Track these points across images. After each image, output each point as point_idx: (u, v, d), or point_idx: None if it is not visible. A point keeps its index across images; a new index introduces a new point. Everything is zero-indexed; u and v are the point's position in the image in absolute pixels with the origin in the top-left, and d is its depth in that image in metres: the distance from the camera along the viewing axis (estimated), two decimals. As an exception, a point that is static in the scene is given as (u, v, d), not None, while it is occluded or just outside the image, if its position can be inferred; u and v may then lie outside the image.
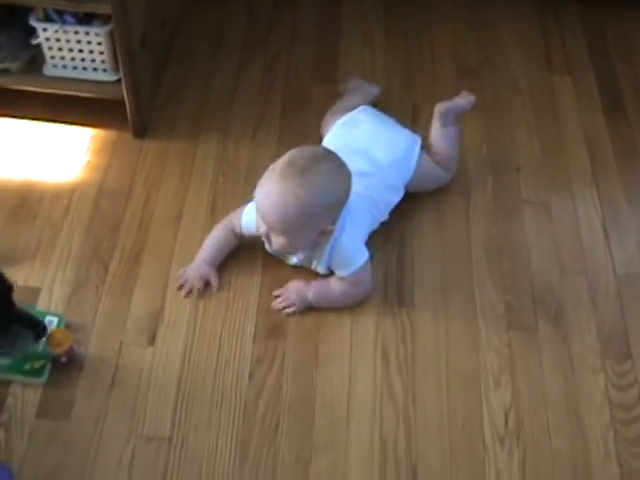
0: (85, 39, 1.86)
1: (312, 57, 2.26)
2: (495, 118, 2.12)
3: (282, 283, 1.75)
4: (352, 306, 1.73)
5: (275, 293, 1.74)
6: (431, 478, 1.52)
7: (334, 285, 1.71)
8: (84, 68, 1.92)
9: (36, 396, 1.58)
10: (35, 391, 1.58)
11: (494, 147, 2.05)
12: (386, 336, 1.70)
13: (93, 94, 1.95)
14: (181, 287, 1.74)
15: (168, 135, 2.03)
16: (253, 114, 2.09)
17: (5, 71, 1.92)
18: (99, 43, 1.86)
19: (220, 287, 1.75)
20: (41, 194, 1.90)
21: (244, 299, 1.74)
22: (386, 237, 1.85)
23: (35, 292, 1.72)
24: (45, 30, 1.85)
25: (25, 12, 1.85)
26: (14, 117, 2.04)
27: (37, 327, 1.50)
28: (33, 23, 1.85)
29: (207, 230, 1.80)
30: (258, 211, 1.62)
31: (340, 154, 1.65)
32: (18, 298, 1.48)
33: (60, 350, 1.59)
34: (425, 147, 1.89)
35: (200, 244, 1.79)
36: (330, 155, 1.64)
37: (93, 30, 1.83)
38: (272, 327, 1.70)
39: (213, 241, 1.77)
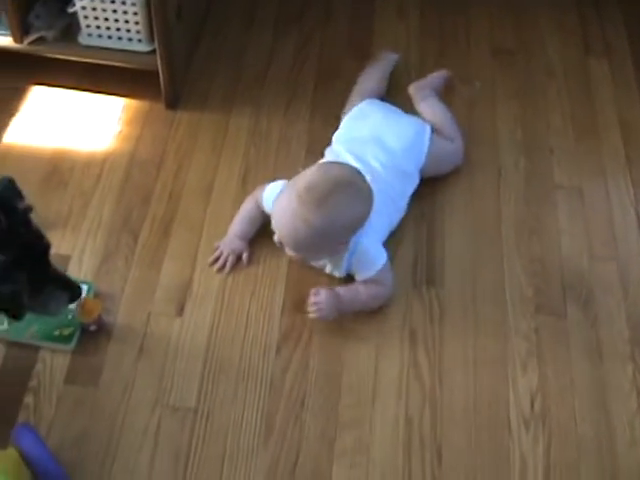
0: (121, 9, 1.85)
1: (346, 34, 2.24)
2: (530, 102, 2.10)
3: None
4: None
5: (310, 300, 1.66)
6: (455, 459, 1.52)
7: (361, 289, 1.68)
8: (119, 38, 1.92)
9: (65, 362, 1.59)
10: (64, 358, 1.59)
11: (528, 131, 2.03)
12: (414, 316, 1.69)
13: (127, 64, 1.94)
14: (214, 262, 1.75)
15: (200, 107, 2.02)
16: (286, 89, 2.08)
17: (41, 39, 1.92)
18: (135, 13, 1.86)
19: (250, 262, 1.75)
20: (73, 163, 1.90)
21: (273, 274, 1.74)
22: (416, 216, 1.84)
23: (65, 260, 1.73)
24: (81, -2, 1.85)
25: (62, -20, 1.86)
26: (48, 85, 2.04)
27: (72, 289, 1.50)
28: (70, -9, 1.85)
29: (238, 203, 1.80)
30: (272, 219, 1.61)
31: (354, 146, 1.65)
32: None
33: (89, 318, 1.60)
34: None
35: (231, 216, 1.79)
36: (352, 179, 1.59)
37: (129, 0, 1.83)
38: (300, 303, 1.69)
39: (244, 214, 1.76)
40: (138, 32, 1.90)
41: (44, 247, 1.43)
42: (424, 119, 1.92)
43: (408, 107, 1.97)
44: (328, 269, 1.72)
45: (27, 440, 1.42)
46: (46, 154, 1.91)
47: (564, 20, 2.32)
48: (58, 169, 1.89)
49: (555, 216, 1.87)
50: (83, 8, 1.86)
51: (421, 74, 2.10)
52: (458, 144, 1.92)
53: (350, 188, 1.58)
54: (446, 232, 1.83)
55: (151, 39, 1.89)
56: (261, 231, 1.78)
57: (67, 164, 1.90)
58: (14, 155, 1.91)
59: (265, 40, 2.21)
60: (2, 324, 1.59)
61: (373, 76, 2.03)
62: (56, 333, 1.60)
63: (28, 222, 1.41)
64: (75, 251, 1.75)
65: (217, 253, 1.75)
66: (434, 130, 1.88)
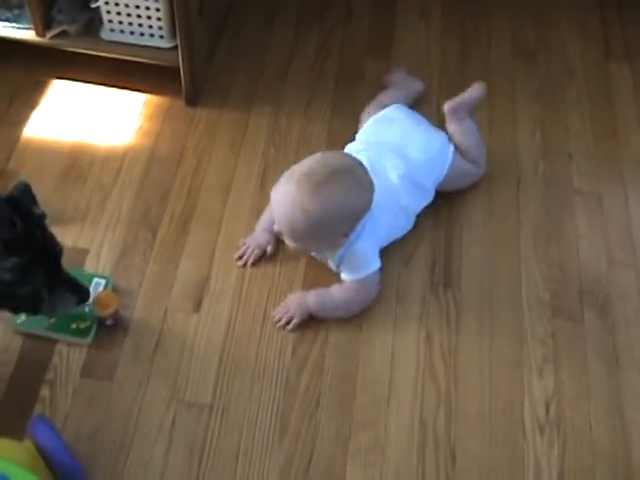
0: (144, 4, 1.85)
1: (367, 33, 2.24)
2: (549, 104, 2.09)
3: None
4: (357, 313, 1.69)
5: (275, 312, 1.68)
6: (469, 462, 1.52)
7: (335, 292, 1.67)
8: (141, 34, 1.92)
9: (81, 356, 1.60)
10: (80, 351, 1.60)
11: (547, 133, 2.02)
12: (430, 318, 1.69)
13: (148, 60, 1.94)
14: (240, 258, 1.75)
15: (220, 105, 2.03)
16: (306, 88, 2.08)
17: (63, 33, 1.93)
18: (157, 9, 1.86)
19: (273, 254, 1.75)
20: (92, 157, 1.91)
21: (290, 274, 1.74)
22: (435, 217, 1.84)
23: (83, 254, 1.73)
24: (105, -7, 1.86)
25: (86, -26, 1.86)
26: (69, 79, 2.05)
27: (81, 293, 1.51)
28: (93, -14, 1.86)
29: (256, 201, 1.81)
30: (272, 207, 1.61)
31: (374, 150, 1.63)
32: (66, 259, 1.49)
33: (106, 312, 1.60)
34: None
35: (249, 214, 1.80)
36: (352, 169, 1.58)
37: (152, -4, 1.84)
38: (316, 302, 1.70)
39: (270, 208, 1.75)
40: (160, 28, 1.90)
41: (58, 252, 1.46)
42: (453, 139, 1.85)
43: (424, 111, 1.96)
44: (330, 264, 1.71)
45: (43, 432, 1.43)
46: (66, 148, 1.92)
47: (586, 22, 2.31)
48: (77, 163, 1.89)
49: (574, 221, 1.87)
50: (106, 3, 1.86)
51: (442, 75, 2.10)
52: (481, 170, 1.89)
53: (348, 177, 1.56)
54: (464, 235, 1.83)
55: (173, 35, 1.89)
56: (280, 232, 1.78)
57: (87, 158, 1.90)
58: (34, 148, 1.92)
59: (286, 38, 2.20)
60: (19, 317, 1.60)
61: (394, 95, 1.96)
62: (73, 326, 1.61)
63: (44, 227, 1.43)
64: (93, 245, 1.75)
65: (243, 249, 1.75)
66: (460, 152, 1.84)
